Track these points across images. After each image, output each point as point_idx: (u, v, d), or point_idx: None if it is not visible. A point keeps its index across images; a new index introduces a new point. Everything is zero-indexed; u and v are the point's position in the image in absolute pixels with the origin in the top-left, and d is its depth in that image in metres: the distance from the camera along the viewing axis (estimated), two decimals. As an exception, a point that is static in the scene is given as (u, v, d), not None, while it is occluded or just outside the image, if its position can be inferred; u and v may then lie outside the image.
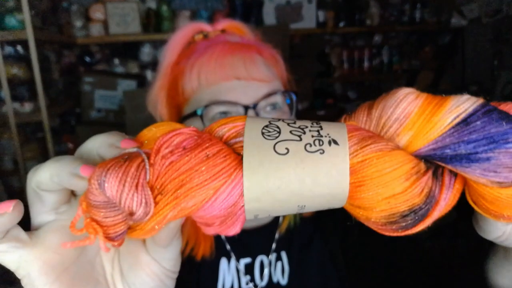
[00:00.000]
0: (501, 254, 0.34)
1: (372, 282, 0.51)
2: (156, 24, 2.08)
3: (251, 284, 0.51)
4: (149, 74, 2.16)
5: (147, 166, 0.22)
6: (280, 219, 0.53)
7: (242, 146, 0.24)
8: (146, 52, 2.17)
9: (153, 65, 2.16)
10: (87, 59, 2.15)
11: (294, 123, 0.25)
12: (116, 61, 2.18)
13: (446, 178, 0.25)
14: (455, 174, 0.25)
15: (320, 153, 0.23)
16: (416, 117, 0.24)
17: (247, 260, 0.52)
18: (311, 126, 0.25)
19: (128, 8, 1.99)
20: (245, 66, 0.44)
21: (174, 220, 0.24)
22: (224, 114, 0.45)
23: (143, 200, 0.21)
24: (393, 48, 2.59)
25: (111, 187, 0.20)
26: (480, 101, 0.23)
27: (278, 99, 0.47)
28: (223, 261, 0.51)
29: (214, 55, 0.45)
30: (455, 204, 0.27)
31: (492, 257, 0.36)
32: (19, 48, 1.61)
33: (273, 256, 0.52)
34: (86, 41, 2.04)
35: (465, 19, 2.36)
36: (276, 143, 0.23)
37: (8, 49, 1.61)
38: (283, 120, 0.26)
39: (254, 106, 0.44)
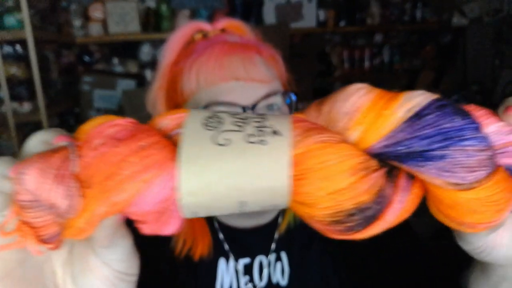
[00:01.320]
0: (479, 268, 0.34)
1: (373, 284, 0.50)
2: (155, 23, 2.08)
3: (250, 285, 0.51)
4: (148, 73, 2.16)
5: (74, 157, 0.21)
6: (280, 219, 0.53)
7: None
8: (145, 52, 2.17)
9: (153, 64, 2.15)
10: (86, 58, 2.15)
11: (239, 114, 0.24)
12: (115, 60, 2.18)
13: (402, 180, 0.23)
14: (413, 178, 0.24)
15: (262, 143, 0.22)
16: (367, 111, 0.23)
17: (246, 260, 0.52)
18: (255, 118, 0.24)
19: (127, 7, 1.98)
20: (244, 67, 0.44)
21: (109, 218, 0.23)
22: None
23: (67, 193, 0.20)
24: (394, 47, 2.58)
25: (30, 180, 0.19)
26: (434, 95, 0.22)
27: (277, 99, 0.46)
28: (222, 261, 0.51)
29: (213, 56, 0.45)
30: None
31: (471, 270, 0.35)
32: (18, 47, 1.61)
33: (272, 257, 0.52)
34: (85, 40, 2.03)
35: (466, 19, 2.35)
36: (217, 133, 0.22)
37: (7, 49, 1.60)
38: (229, 112, 0.24)
39: (253, 107, 0.44)
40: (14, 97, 1.54)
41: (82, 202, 0.21)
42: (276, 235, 0.53)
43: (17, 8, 1.48)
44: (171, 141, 0.23)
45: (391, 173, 0.23)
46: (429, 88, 2.47)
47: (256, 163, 0.22)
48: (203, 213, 0.23)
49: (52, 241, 0.22)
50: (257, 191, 0.22)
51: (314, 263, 0.52)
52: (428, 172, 0.22)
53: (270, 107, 0.46)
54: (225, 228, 0.52)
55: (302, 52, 2.28)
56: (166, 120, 0.24)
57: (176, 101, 0.49)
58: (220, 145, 0.22)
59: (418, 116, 0.22)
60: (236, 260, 0.51)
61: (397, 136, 0.22)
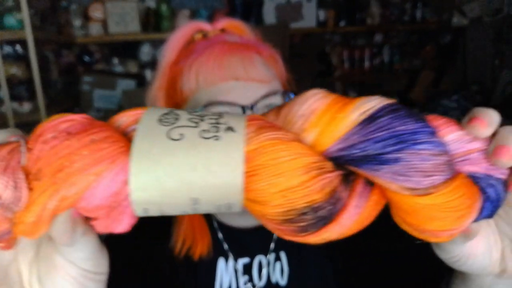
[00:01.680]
0: (459, 276, 0.34)
1: (372, 284, 0.50)
2: (155, 23, 2.08)
3: (249, 284, 0.51)
4: (148, 73, 2.16)
5: (23, 150, 0.21)
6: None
7: None
8: (145, 52, 2.17)
9: (153, 64, 2.15)
10: (86, 58, 2.15)
11: (196, 111, 0.24)
12: (115, 60, 2.18)
13: (359, 185, 0.24)
14: (372, 184, 0.24)
15: (215, 139, 0.22)
16: (322, 113, 0.23)
17: (246, 260, 0.52)
18: (212, 115, 0.24)
19: (127, 7, 1.98)
20: (244, 67, 0.44)
21: (62, 214, 0.22)
22: None
23: (11, 183, 0.20)
24: (394, 47, 2.58)
25: None
26: (389, 100, 0.23)
27: (277, 99, 0.46)
28: (221, 261, 0.51)
29: (213, 56, 0.45)
30: None
31: (452, 278, 0.35)
32: (18, 47, 1.61)
33: (271, 256, 0.52)
34: (85, 40, 2.03)
35: (466, 19, 2.35)
36: (171, 129, 0.22)
37: (7, 49, 1.61)
38: (187, 110, 0.24)
39: (252, 107, 0.44)
40: (14, 97, 1.54)
41: (29, 195, 0.21)
42: (275, 235, 0.53)
43: (17, 8, 1.48)
44: (126, 137, 0.23)
45: (348, 178, 0.24)
46: (429, 88, 2.48)
47: (209, 158, 0.22)
48: (155, 211, 0.23)
49: (3, 239, 0.21)
50: (210, 188, 0.22)
51: (313, 263, 0.52)
52: (383, 176, 0.22)
53: (269, 106, 0.46)
54: (225, 227, 0.52)
55: (302, 52, 2.28)
56: (124, 117, 0.24)
57: (175, 101, 0.49)
58: (173, 139, 0.22)
59: (371, 118, 0.22)
60: (235, 259, 0.52)
61: (351, 139, 0.22)
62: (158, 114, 0.23)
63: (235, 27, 0.55)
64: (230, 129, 0.23)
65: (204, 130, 0.22)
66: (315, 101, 0.24)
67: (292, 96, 0.48)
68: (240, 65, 0.44)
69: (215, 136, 0.22)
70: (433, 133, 0.22)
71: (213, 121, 0.23)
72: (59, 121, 0.22)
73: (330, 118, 0.23)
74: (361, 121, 0.22)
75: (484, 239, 0.28)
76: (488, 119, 0.24)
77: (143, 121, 0.23)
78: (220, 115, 0.24)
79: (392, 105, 0.22)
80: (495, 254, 0.28)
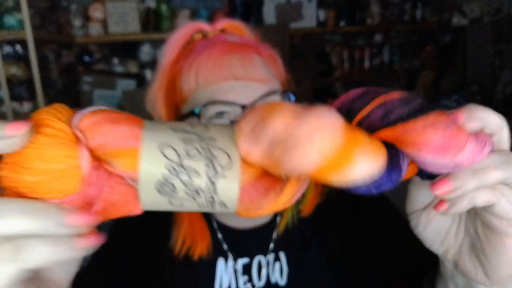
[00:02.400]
0: (438, 278, 0.35)
1: (371, 284, 0.50)
2: (155, 23, 2.08)
3: (249, 284, 0.51)
4: (148, 73, 2.16)
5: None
6: (278, 219, 0.53)
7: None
8: (145, 52, 2.17)
9: (153, 64, 2.15)
10: (86, 58, 2.14)
11: (190, 179, 0.24)
12: (115, 60, 2.18)
13: None
14: None
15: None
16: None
17: (245, 260, 0.52)
18: (205, 191, 0.25)
19: (127, 7, 1.98)
20: (243, 66, 0.44)
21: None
22: (222, 114, 0.45)
23: None
24: (394, 47, 2.58)
25: None
26: None
27: (276, 99, 0.46)
28: (221, 261, 0.51)
29: (212, 55, 0.45)
30: None
31: (435, 279, 0.37)
32: (18, 47, 1.61)
33: (271, 256, 0.52)
34: (85, 40, 2.03)
35: (466, 19, 2.35)
36: (171, 199, 0.25)
37: (7, 49, 1.60)
38: (178, 176, 0.24)
39: (252, 106, 0.44)
40: (14, 97, 1.54)
41: None
42: (275, 235, 0.53)
43: (17, 8, 1.48)
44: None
45: None
46: (429, 88, 2.48)
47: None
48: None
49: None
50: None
51: (313, 263, 0.52)
52: None
53: None
54: (224, 228, 0.52)
55: (302, 52, 2.28)
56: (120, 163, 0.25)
57: (175, 100, 0.49)
58: (176, 205, 0.25)
59: None
60: (235, 260, 0.52)
61: None
62: (154, 182, 0.24)
63: (235, 28, 0.55)
64: (224, 205, 0.25)
65: (200, 205, 0.25)
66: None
67: (291, 96, 0.48)
68: (239, 65, 0.44)
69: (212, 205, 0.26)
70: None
71: (210, 198, 0.25)
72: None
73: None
74: None
75: (445, 218, 0.32)
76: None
77: (142, 188, 0.24)
78: (215, 187, 0.25)
79: None
80: (451, 238, 0.32)
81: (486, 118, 0.25)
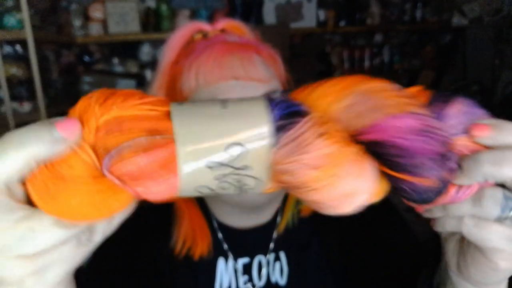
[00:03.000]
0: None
1: (371, 283, 0.50)
2: (155, 23, 2.08)
3: (249, 284, 0.51)
4: (148, 73, 2.16)
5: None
6: (278, 218, 0.53)
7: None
8: (145, 52, 2.17)
9: (153, 64, 2.15)
10: (86, 58, 2.14)
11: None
12: (115, 60, 2.18)
13: None
14: None
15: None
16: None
17: (245, 260, 0.52)
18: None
19: (127, 7, 1.98)
20: (244, 66, 0.44)
21: None
22: None
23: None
24: (394, 47, 2.58)
25: None
26: None
27: None
28: (221, 261, 0.51)
29: (213, 55, 0.45)
30: None
31: (439, 275, 0.36)
32: (18, 47, 1.61)
33: (271, 256, 0.52)
34: (85, 40, 2.03)
35: (466, 19, 2.35)
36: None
37: (7, 49, 1.60)
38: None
39: None
40: (14, 97, 1.54)
41: None
42: (275, 235, 0.53)
43: (17, 8, 1.48)
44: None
45: None
46: (429, 88, 2.47)
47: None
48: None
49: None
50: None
51: (313, 262, 0.52)
52: None
53: None
54: (224, 227, 0.52)
55: (302, 52, 2.28)
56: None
57: (175, 101, 0.49)
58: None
59: None
60: (235, 259, 0.52)
61: None
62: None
63: (235, 28, 0.55)
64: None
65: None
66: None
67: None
68: (239, 65, 0.44)
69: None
70: None
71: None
72: None
73: None
74: None
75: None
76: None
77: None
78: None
79: None
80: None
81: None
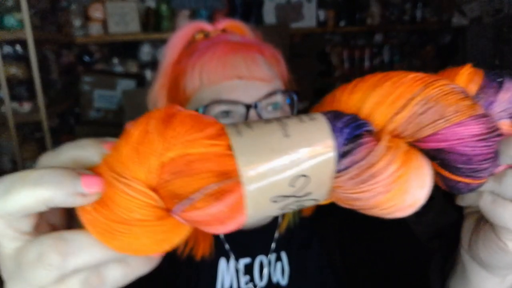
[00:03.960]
0: (459, 275, 0.34)
1: (371, 283, 0.50)
2: (155, 23, 2.07)
3: (250, 284, 0.51)
4: (148, 73, 2.16)
5: None
6: (279, 219, 0.53)
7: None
8: (145, 52, 2.17)
9: (153, 64, 2.15)
10: (86, 58, 2.14)
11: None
12: (115, 60, 2.18)
13: None
14: None
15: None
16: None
17: (247, 260, 0.52)
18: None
19: (127, 7, 1.98)
20: (247, 66, 0.44)
21: None
22: (226, 113, 0.45)
23: None
24: (394, 47, 2.58)
25: None
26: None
27: (279, 98, 0.47)
28: (222, 261, 0.51)
29: (216, 54, 0.45)
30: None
31: (451, 276, 0.36)
32: (18, 47, 1.61)
33: (272, 256, 0.52)
34: (85, 40, 2.03)
35: (466, 19, 2.35)
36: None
37: (7, 49, 1.60)
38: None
39: (256, 106, 0.44)
40: (14, 97, 1.54)
41: None
42: (276, 235, 0.53)
43: (17, 8, 1.48)
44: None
45: None
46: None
47: None
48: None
49: None
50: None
51: (314, 263, 0.52)
52: None
53: (274, 106, 0.47)
54: (226, 228, 0.52)
55: (302, 52, 2.28)
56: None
57: (178, 100, 0.49)
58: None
59: None
60: (237, 259, 0.52)
61: None
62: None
63: (236, 27, 0.55)
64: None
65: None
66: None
67: (294, 95, 0.48)
68: (243, 64, 0.44)
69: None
70: None
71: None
72: None
73: None
74: None
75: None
76: None
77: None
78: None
79: None
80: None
81: None
